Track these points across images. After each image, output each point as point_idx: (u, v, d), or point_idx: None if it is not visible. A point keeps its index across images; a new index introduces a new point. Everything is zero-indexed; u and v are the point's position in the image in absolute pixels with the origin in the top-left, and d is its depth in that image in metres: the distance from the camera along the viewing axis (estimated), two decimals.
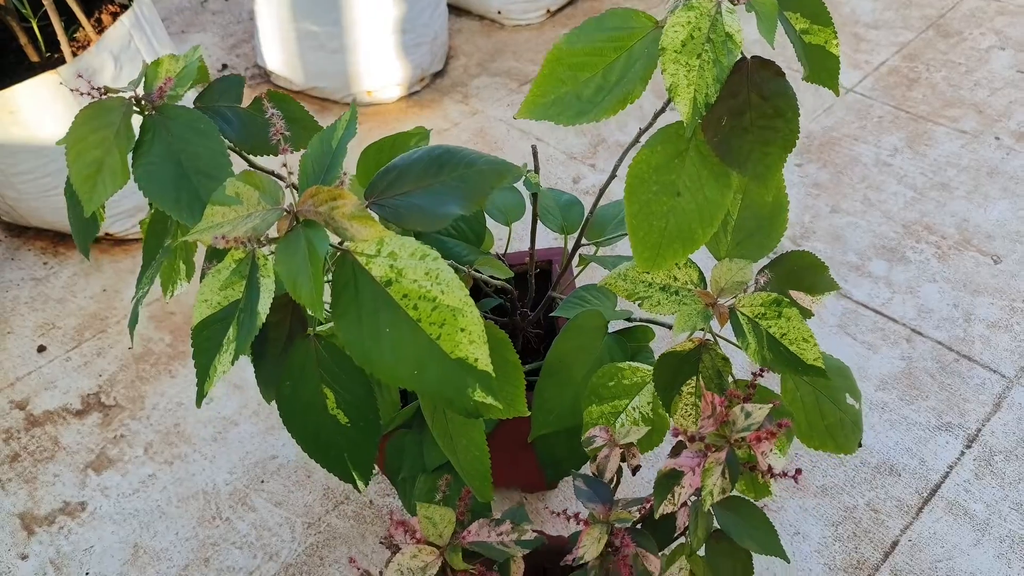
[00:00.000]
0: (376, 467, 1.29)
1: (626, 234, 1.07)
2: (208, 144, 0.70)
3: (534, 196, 1.03)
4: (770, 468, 0.62)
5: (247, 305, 0.64)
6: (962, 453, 1.27)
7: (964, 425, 1.30)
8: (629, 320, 0.99)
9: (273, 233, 0.66)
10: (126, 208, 1.67)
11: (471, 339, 0.65)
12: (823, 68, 0.75)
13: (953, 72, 1.97)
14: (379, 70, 1.98)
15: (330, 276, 0.67)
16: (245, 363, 1.48)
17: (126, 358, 1.51)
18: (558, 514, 0.71)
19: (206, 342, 0.66)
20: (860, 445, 0.93)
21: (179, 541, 1.24)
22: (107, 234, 1.70)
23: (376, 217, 0.70)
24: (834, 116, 1.89)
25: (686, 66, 0.69)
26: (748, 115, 0.74)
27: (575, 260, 1.14)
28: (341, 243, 0.67)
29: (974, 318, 1.45)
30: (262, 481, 1.31)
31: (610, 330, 0.96)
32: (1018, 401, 1.32)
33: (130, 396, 1.45)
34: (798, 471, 0.61)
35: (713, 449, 0.64)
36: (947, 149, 1.78)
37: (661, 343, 1.28)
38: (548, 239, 1.59)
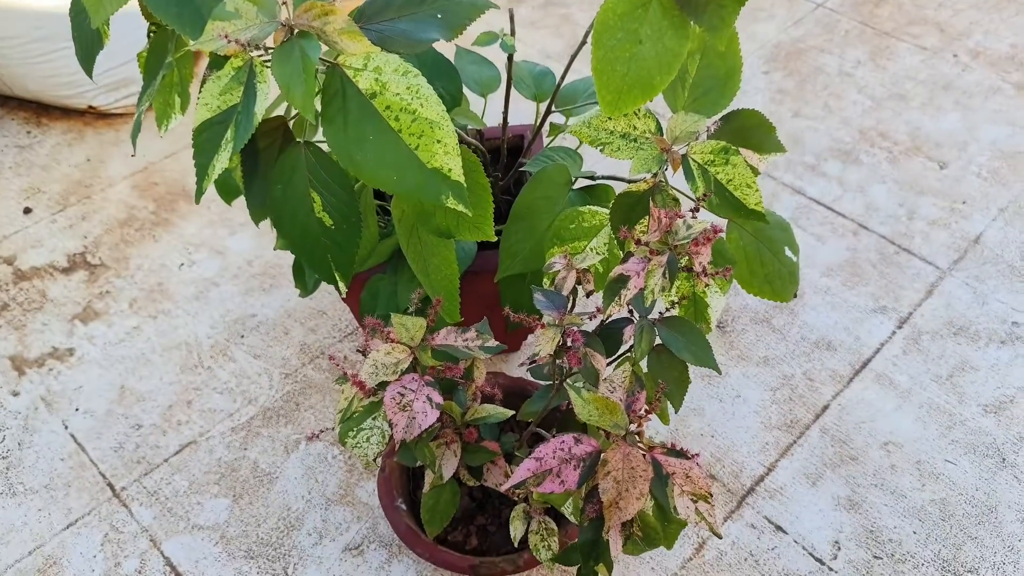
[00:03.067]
0: (353, 317, 1.37)
1: (595, 103, 1.14)
2: None
3: (509, 58, 1.09)
4: (704, 269, 0.71)
5: (244, 108, 0.71)
6: (893, 332, 1.38)
7: (898, 309, 1.41)
8: (592, 179, 1.07)
9: (270, 43, 0.72)
10: (111, 81, 1.70)
11: (446, 151, 0.73)
12: None
13: None
14: None
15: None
16: (225, 232, 1.54)
17: (111, 223, 1.57)
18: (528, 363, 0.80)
19: (206, 143, 0.73)
20: (795, 296, 1.02)
21: (163, 385, 1.32)
22: (90, 107, 1.74)
23: None
24: (803, 28, 1.96)
25: None
26: None
27: (546, 129, 1.21)
28: (335, 59, 0.73)
29: (917, 216, 1.55)
30: (242, 336, 1.38)
31: (574, 188, 1.04)
32: (948, 289, 1.43)
33: (115, 257, 1.51)
34: (727, 268, 0.70)
35: (656, 254, 0.72)
36: (907, 63, 1.86)
37: None
38: (522, 117, 1.65)
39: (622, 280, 0.74)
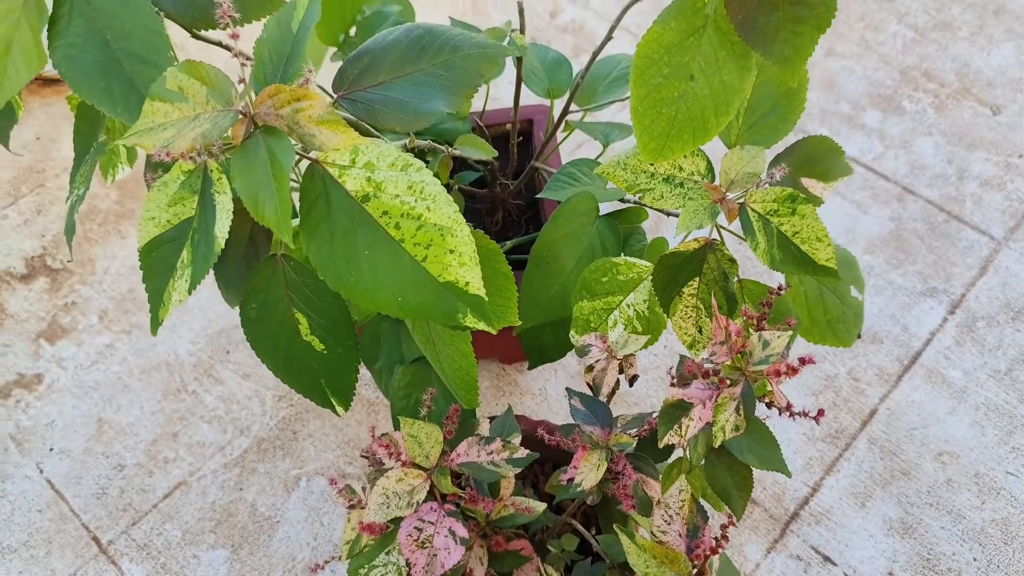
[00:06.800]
0: None
1: (618, 100, 0.97)
2: (139, 20, 0.58)
3: (518, 60, 0.91)
4: (789, 405, 0.58)
5: (202, 226, 0.56)
6: (945, 319, 1.25)
7: (949, 290, 1.27)
8: (622, 200, 0.92)
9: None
10: None
11: (461, 261, 0.58)
12: None
13: None
14: None
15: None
16: None
17: None
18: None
19: (158, 264, 0.58)
20: (859, 337, 0.89)
21: (144, 415, 1.20)
22: None
23: (348, 114, 0.60)
24: None
25: None
26: None
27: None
28: (308, 151, 0.57)
29: (967, 175, 1.39)
30: (227, 352, 1.25)
31: (601, 212, 0.89)
32: (1004, 264, 1.29)
33: (78, 259, 1.35)
34: (820, 412, 0.57)
35: (727, 383, 0.58)
36: None
37: (654, 224, 1.20)
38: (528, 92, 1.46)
39: (683, 407, 0.61)
